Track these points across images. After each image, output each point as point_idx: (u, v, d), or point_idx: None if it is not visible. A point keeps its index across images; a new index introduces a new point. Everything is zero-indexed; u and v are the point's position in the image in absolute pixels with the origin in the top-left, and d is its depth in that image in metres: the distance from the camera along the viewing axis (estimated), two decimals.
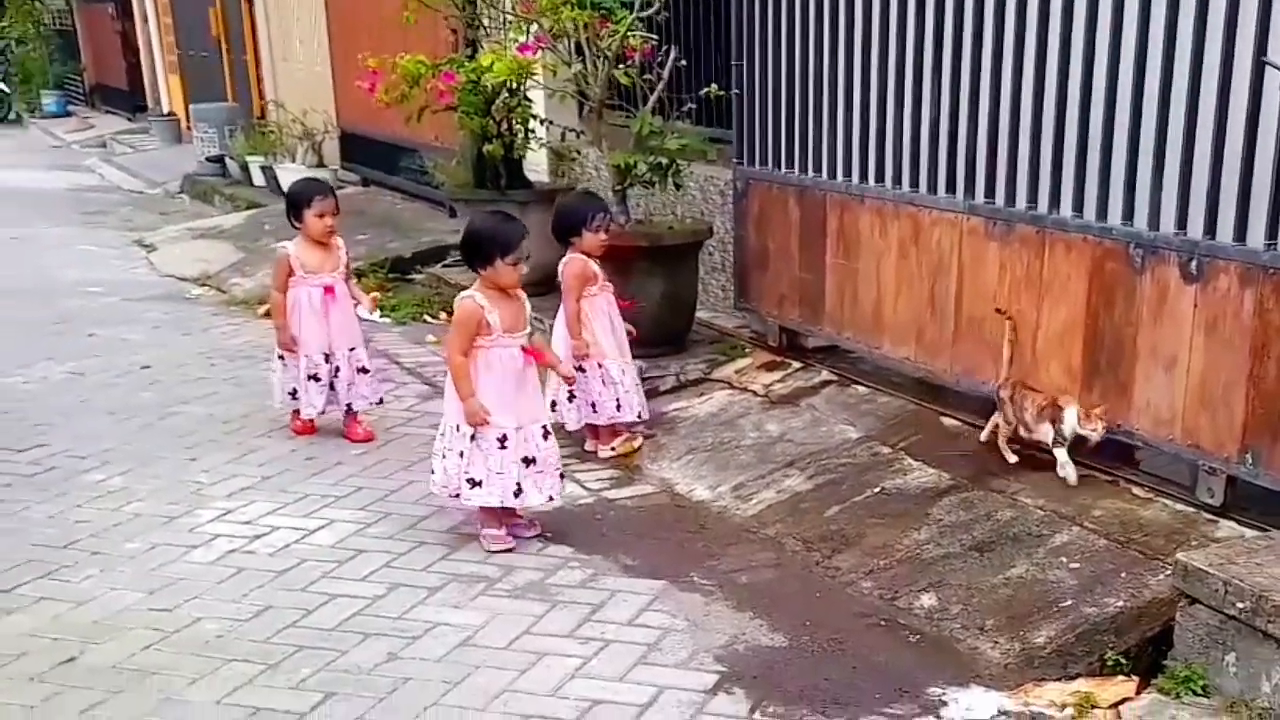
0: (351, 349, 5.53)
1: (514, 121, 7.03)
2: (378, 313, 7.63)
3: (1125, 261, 4.23)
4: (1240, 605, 3.28)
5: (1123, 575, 3.85)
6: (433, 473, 4.47)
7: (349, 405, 5.56)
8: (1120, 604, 3.75)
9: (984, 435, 4.81)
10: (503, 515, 4.48)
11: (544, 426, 4.44)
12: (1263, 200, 3.78)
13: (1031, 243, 4.58)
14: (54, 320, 7.80)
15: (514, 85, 6.84)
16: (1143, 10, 4.09)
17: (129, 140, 18.65)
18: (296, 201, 5.49)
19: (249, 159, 12.63)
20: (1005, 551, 4.13)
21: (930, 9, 4.92)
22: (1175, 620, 3.51)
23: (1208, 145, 3.93)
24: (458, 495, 4.38)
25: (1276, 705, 3.22)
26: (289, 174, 11.70)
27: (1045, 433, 4.44)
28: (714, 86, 6.04)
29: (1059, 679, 3.54)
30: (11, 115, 23.08)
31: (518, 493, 4.35)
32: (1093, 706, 3.42)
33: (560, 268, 5.20)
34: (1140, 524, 4.12)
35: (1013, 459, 4.63)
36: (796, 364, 5.90)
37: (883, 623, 3.91)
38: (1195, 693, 3.39)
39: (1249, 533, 3.92)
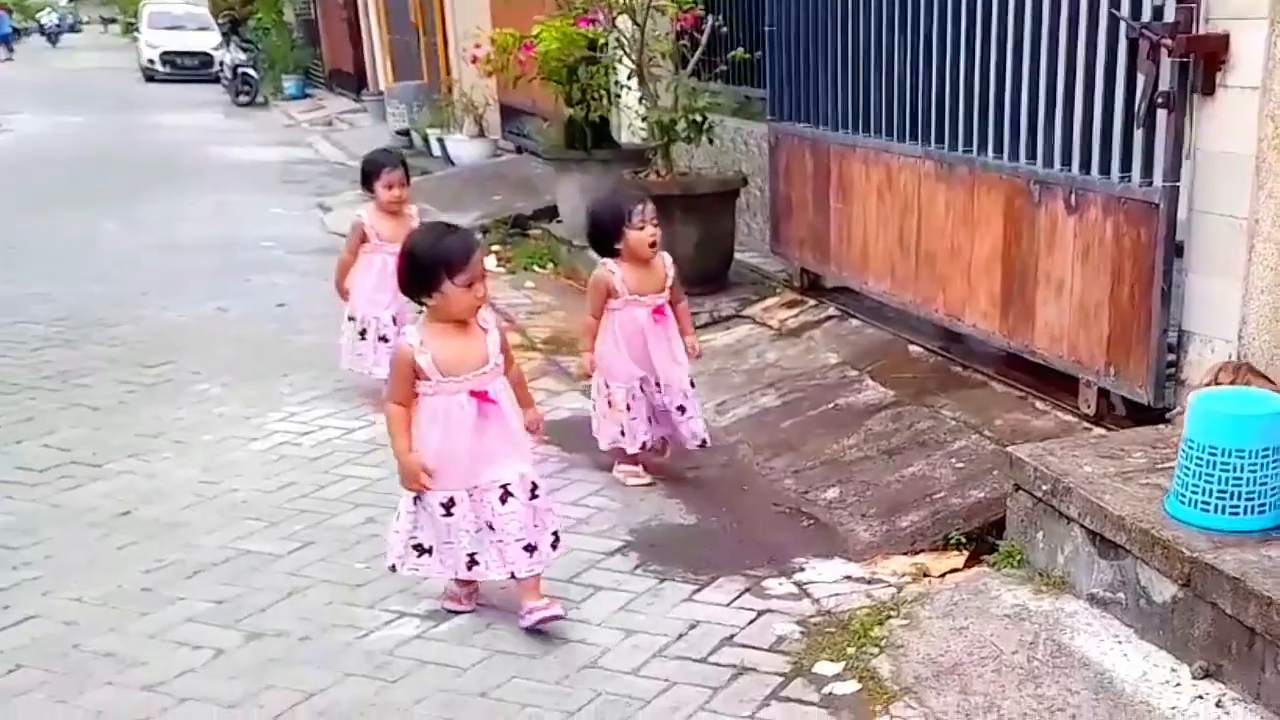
0: None
1: (595, 86, 7.78)
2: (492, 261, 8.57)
3: (1028, 197, 4.69)
4: (1044, 488, 3.76)
5: (994, 473, 4.33)
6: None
7: None
8: (981, 495, 4.26)
9: None
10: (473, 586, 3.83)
11: (504, 487, 3.57)
12: (1117, 137, 4.22)
13: (966, 183, 5.06)
14: (223, 267, 9.01)
15: (595, 53, 7.60)
16: None
17: (349, 119, 20.32)
18: (366, 172, 5.70)
19: (429, 131, 13.78)
20: (910, 454, 4.67)
21: None
22: (1007, 505, 4.03)
23: (1079, 90, 4.38)
24: (395, 566, 3.77)
25: (1067, 574, 3.70)
26: (455, 144, 12.83)
27: None
28: (740, 50, 6.64)
29: (906, 553, 4.11)
30: (259, 99, 25.19)
31: (471, 564, 3.67)
32: (925, 575, 3.99)
33: None
34: (1029, 432, 4.58)
35: None
36: (812, 301, 6.46)
37: (787, 511, 4.54)
38: (1013, 566, 3.90)
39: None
